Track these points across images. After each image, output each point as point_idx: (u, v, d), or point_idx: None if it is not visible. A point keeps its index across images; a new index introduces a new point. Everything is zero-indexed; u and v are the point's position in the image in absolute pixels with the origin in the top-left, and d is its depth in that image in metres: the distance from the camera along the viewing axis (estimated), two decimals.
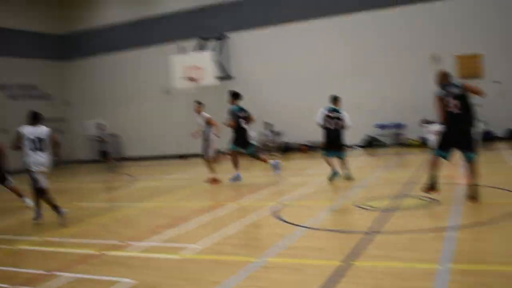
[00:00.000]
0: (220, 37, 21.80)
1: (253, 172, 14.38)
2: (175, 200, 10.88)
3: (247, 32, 21.68)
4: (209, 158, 12.84)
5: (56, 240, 7.66)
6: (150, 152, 24.20)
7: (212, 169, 12.74)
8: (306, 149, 20.06)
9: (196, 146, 21.84)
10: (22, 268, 6.22)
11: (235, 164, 12.29)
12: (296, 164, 16.89)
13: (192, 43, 22.17)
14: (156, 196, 11.51)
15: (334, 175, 11.21)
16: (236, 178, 12.28)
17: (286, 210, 8.54)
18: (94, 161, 24.02)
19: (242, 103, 12.55)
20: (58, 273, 5.80)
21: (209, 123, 12.76)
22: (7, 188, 10.15)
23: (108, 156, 20.82)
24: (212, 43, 21.80)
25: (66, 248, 7.10)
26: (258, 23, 21.44)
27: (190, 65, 20.59)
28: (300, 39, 20.68)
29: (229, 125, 12.34)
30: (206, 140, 12.86)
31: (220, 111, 22.23)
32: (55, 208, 8.82)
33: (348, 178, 11.21)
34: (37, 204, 9.19)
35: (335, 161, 11.32)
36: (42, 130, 8.93)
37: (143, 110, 24.23)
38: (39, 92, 25.25)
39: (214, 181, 12.58)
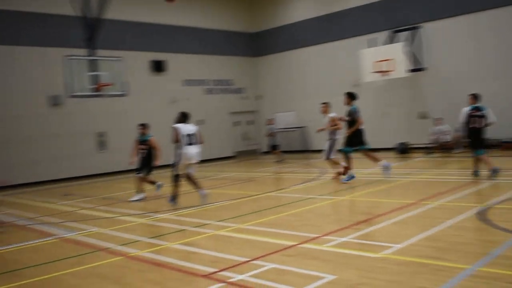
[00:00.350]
0: (413, 28, 20.83)
1: (449, 171, 13.45)
2: (369, 195, 10.57)
3: (440, 21, 20.37)
4: (329, 159, 13.25)
5: (252, 228, 7.89)
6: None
7: (335, 165, 13.27)
8: (508, 146, 18.18)
9: (384, 141, 21.64)
10: (225, 253, 6.47)
11: (350, 164, 12.69)
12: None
13: (382, 35, 21.56)
14: (350, 190, 11.31)
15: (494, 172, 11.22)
16: (351, 177, 12.59)
17: (493, 213, 7.74)
18: (283, 152, 24.82)
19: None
20: (258, 262, 5.93)
21: (333, 123, 13.03)
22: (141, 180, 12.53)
23: (276, 149, 22.04)
24: (403, 34, 20.93)
25: (263, 237, 7.25)
26: (450, 12, 20.00)
27: (380, 57, 20.09)
28: (496, 28, 18.75)
29: (351, 125, 12.58)
30: (331, 140, 13.14)
31: (412, 103, 21.57)
32: (198, 188, 10.87)
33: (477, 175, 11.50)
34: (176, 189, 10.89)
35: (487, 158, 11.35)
36: (192, 127, 10.59)
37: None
38: (234, 87, 26.74)
39: (339, 175, 13.10)
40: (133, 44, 22.08)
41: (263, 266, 5.76)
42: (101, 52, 17.35)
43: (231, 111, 26.51)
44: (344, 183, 12.39)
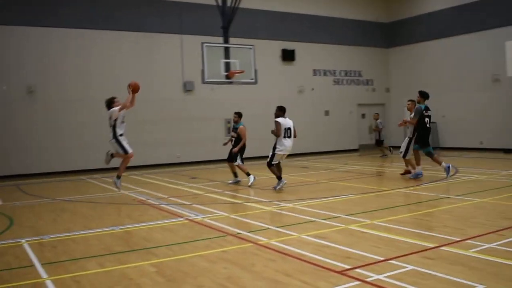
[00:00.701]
0: None
1: None
2: (510, 199, 9.62)
3: None
4: (405, 156, 13.17)
5: (385, 226, 7.44)
6: (468, 143, 22.58)
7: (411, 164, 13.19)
8: None
9: None
10: (358, 249, 6.12)
11: (418, 162, 12.92)
12: None
13: None
14: (490, 192, 10.39)
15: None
16: (418, 175, 12.80)
17: None
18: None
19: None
20: (395, 262, 5.51)
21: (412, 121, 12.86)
22: (238, 167, 13.20)
23: (381, 144, 21.66)
24: None
25: (398, 235, 6.79)
26: None
27: None
28: None
29: (411, 124, 12.77)
30: (409, 138, 13.04)
31: None
32: (279, 177, 11.83)
33: None
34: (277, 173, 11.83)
35: None
36: (290, 121, 11.77)
37: (465, 99, 22.67)
38: (362, 78, 26.01)
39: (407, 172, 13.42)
40: (264, 33, 22.22)
41: (401, 267, 5.34)
42: (233, 40, 17.67)
43: (358, 102, 25.82)
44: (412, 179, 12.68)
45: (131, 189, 12.83)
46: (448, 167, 12.62)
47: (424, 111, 12.66)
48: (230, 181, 13.64)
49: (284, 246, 6.44)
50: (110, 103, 11.13)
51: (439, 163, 12.78)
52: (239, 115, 13.49)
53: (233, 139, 13.39)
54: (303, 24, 23.74)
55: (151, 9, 20.02)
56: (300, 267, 5.51)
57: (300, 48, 23.56)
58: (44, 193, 12.93)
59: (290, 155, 12.92)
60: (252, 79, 16.70)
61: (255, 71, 16.60)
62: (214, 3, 17.73)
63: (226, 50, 16.44)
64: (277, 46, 22.92)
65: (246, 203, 10.19)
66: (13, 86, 17.54)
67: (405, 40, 25.89)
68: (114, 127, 10.98)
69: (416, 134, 12.78)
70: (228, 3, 17.82)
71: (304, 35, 23.79)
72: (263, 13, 22.38)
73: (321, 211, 8.81)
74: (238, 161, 13.13)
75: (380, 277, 5.03)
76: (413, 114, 12.82)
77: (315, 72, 24.28)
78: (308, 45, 23.90)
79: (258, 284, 5.02)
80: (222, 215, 8.84)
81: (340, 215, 8.37)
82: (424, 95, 12.96)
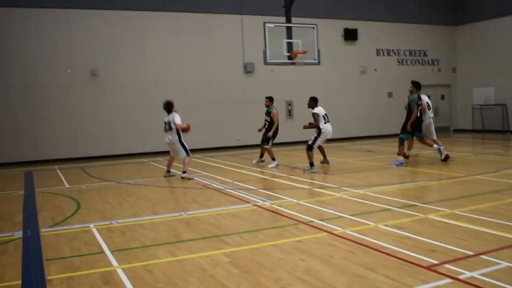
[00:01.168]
0: None
1: None
2: None
3: None
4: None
5: (468, 216, 6.92)
6: None
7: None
8: None
9: None
10: (443, 242, 5.67)
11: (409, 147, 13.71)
12: None
13: None
14: None
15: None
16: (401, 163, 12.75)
17: None
18: (476, 131, 22.79)
19: None
20: (487, 258, 5.05)
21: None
22: (266, 150, 13.60)
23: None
24: None
25: (484, 227, 6.27)
26: None
27: None
28: None
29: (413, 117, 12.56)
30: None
31: None
32: (325, 158, 13.15)
33: None
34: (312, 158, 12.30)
35: None
36: (322, 109, 12.59)
37: None
38: (427, 58, 24.95)
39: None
40: (326, 11, 21.56)
41: (495, 263, 4.88)
42: (295, 20, 17.20)
43: (423, 84, 24.69)
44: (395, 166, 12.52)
45: (195, 172, 12.71)
46: (441, 148, 12.94)
47: (418, 101, 12.71)
48: (254, 161, 14.31)
49: (361, 236, 6.07)
50: (170, 107, 11.82)
51: (431, 145, 13.15)
52: (270, 99, 13.93)
53: (267, 123, 13.75)
54: (365, 1, 22.90)
55: None
56: (383, 261, 5.13)
57: (362, 27, 22.76)
58: (108, 176, 13.02)
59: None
60: (315, 59, 16.23)
61: (318, 51, 16.12)
62: None
63: (289, 30, 16.01)
64: (340, 25, 22.22)
65: (314, 189, 9.85)
66: (77, 70, 17.77)
67: (474, 17, 24.56)
68: (178, 131, 11.59)
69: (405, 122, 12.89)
70: None
71: (367, 13, 22.95)
72: None
73: (395, 199, 8.36)
74: (270, 144, 13.51)
75: (474, 274, 4.60)
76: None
77: (378, 52, 23.46)
78: (371, 23, 23.06)
79: (341, 279, 4.68)
80: (291, 201, 8.53)
81: (416, 203, 7.89)
82: (417, 85, 13.04)
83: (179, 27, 19.28)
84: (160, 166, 14.96)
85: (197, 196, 9.54)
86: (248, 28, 19.81)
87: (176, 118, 11.55)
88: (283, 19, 17.00)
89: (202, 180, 11.42)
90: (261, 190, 9.78)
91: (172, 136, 11.60)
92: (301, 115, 19.68)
